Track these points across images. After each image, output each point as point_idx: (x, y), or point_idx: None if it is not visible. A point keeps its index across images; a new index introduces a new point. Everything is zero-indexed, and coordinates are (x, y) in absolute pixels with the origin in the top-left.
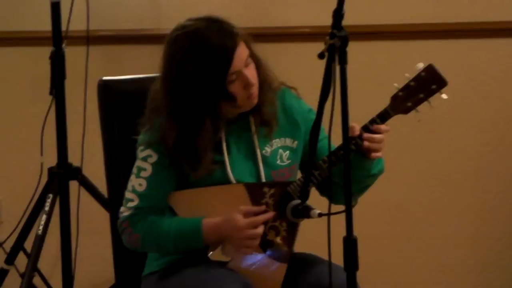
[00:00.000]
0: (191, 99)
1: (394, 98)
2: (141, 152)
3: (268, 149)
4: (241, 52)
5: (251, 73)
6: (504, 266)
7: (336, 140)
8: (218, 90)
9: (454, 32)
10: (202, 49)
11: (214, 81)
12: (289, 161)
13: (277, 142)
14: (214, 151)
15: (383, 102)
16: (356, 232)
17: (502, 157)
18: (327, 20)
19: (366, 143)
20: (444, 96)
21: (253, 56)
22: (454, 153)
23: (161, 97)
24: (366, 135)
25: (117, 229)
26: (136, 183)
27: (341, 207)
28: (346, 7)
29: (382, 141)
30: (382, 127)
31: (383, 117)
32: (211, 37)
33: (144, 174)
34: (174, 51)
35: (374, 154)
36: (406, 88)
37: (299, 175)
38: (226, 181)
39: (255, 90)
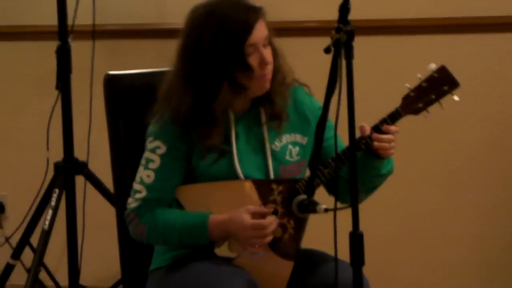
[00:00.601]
0: (210, 64)
1: (406, 98)
2: (150, 144)
3: (277, 144)
4: (261, 27)
5: (268, 53)
6: (507, 264)
7: (344, 136)
8: (235, 58)
9: (459, 27)
10: (224, 16)
11: (233, 48)
12: (298, 157)
13: (287, 138)
14: (223, 140)
15: (389, 97)
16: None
17: (505, 156)
18: (334, 15)
19: (376, 143)
20: (455, 97)
21: (272, 43)
22: (457, 151)
23: (177, 65)
24: (375, 135)
25: (124, 221)
26: (144, 174)
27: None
28: (352, 1)
29: (393, 141)
30: (392, 128)
31: (393, 117)
32: (235, 6)
33: (152, 165)
34: (196, 17)
35: (385, 152)
36: (417, 88)
37: (307, 173)
38: (232, 173)
39: (269, 70)
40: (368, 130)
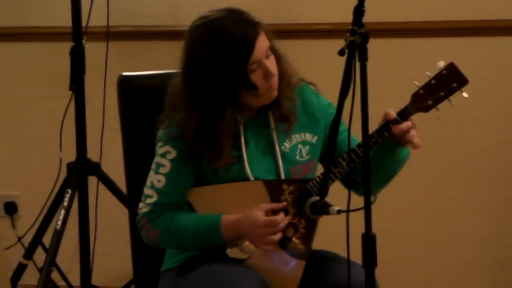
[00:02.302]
0: (212, 88)
1: (415, 96)
2: (160, 148)
3: (287, 145)
4: (262, 42)
5: (271, 64)
6: None
7: (356, 135)
8: (239, 79)
9: (473, 29)
10: (223, 38)
11: (235, 70)
12: (308, 157)
13: (296, 137)
14: (233, 146)
15: (403, 99)
16: (373, 229)
17: None
18: (348, 17)
19: (396, 131)
20: (465, 94)
21: (274, 50)
22: (472, 151)
23: (181, 88)
24: (396, 127)
25: (136, 224)
26: (155, 179)
27: (360, 204)
28: (367, 4)
29: (413, 128)
30: (403, 125)
31: (403, 114)
32: (232, 25)
33: (163, 170)
34: (195, 40)
35: (406, 140)
36: (427, 86)
37: (318, 171)
38: (244, 177)
39: (275, 81)
40: (393, 115)
